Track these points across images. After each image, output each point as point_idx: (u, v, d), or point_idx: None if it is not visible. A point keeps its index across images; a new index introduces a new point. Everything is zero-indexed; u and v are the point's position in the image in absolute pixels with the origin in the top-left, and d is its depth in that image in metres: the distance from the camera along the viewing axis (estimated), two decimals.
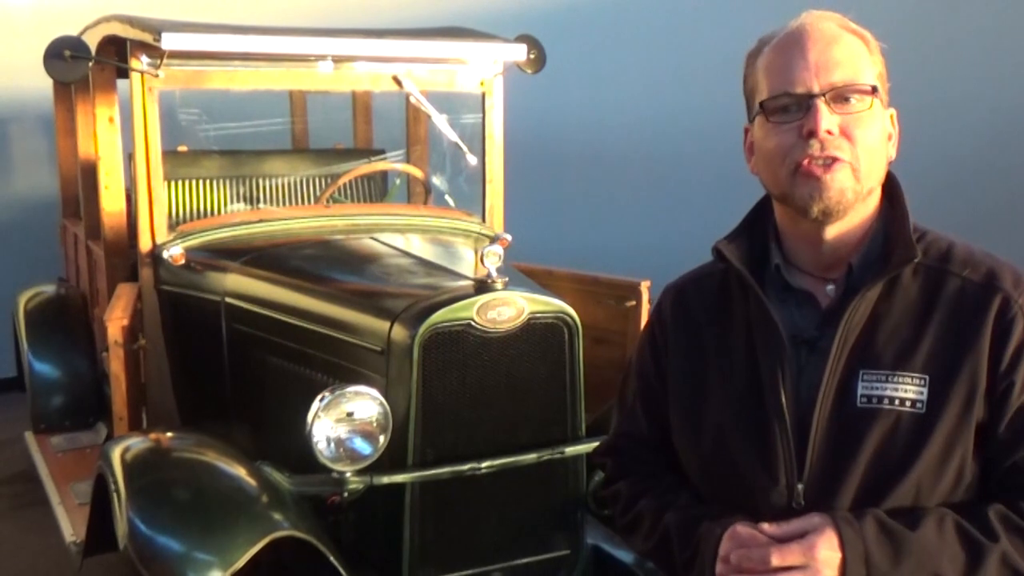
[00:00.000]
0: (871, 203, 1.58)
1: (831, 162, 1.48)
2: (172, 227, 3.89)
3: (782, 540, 1.45)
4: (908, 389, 1.49)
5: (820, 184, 1.48)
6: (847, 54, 1.50)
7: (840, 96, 1.49)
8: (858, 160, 1.49)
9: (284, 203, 4.90)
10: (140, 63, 3.66)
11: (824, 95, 1.48)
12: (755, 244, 1.66)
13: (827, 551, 1.41)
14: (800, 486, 1.52)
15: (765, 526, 1.48)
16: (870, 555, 1.41)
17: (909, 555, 1.42)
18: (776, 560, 1.42)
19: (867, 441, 1.49)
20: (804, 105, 1.49)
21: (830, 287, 1.59)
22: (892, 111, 1.58)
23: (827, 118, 1.47)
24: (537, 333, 2.90)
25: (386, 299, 3.05)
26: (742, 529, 1.50)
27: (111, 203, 4.04)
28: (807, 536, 1.43)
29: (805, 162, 1.48)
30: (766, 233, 1.66)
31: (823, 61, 1.48)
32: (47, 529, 4.14)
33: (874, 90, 1.51)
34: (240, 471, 2.77)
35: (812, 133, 1.47)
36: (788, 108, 1.51)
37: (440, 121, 4.26)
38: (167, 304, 3.83)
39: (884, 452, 1.48)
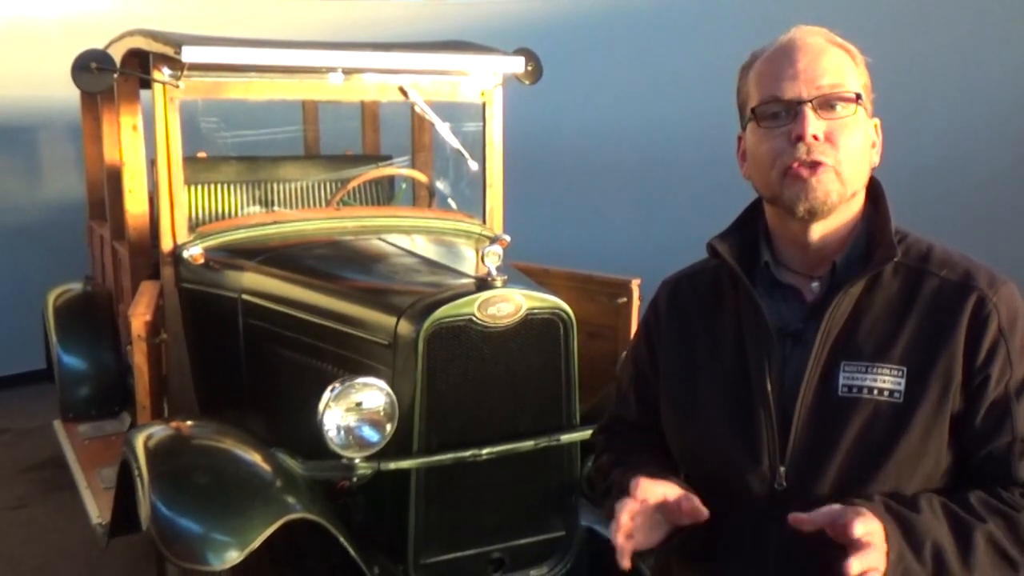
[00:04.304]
0: (855, 206, 1.58)
1: (816, 166, 1.48)
2: (192, 228, 3.88)
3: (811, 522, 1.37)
4: (887, 380, 1.48)
5: (806, 186, 1.49)
6: (834, 64, 1.50)
7: (826, 103, 1.49)
8: (841, 164, 1.49)
9: (297, 206, 4.89)
10: (162, 75, 3.65)
11: (811, 101, 1.48)
12: (746, 242, 1.66)
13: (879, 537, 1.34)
14: (782, 468, 1.52)
15: (802, 516, 1.38)
16: (896, 539, 1.37)
17: (917, 536, 1.38)
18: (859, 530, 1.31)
19: (848, 428, 1.48)
20: (793, 111, 1.49)
21: (815, 283, 1.59)
22: (876, 121, 1.58)
23: (814, 123, 1.47)
24: (534, 328, 2.89)
25: (393, 296, 3.04)
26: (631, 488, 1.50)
27: (135, 206, 4.03)
28: (864, 515, 1.34)
29: (794, 165, 1.48)
30: (757, 233, 1.66)
31: (811, 70, 1.49)
32: (75, 512, 4.14)
33: (858, 97, 1.51)
34: (256, 457, 2.76)
35: (800, 137, 1.47)
36: (778, 114, 1.51)
37: (443, 129, 4.26)
38: (187, 301, 3.82)
39: (864, 439, 1.47)
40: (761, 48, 1.57)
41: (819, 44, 1.52)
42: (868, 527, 1.32)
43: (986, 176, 6.47)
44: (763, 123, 1.52)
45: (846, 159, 1.49)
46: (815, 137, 1.47)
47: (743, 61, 1.61)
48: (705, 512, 1.48)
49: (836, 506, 1.39)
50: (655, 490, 1.51)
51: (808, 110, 1.47)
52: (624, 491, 1.54)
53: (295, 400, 3.27)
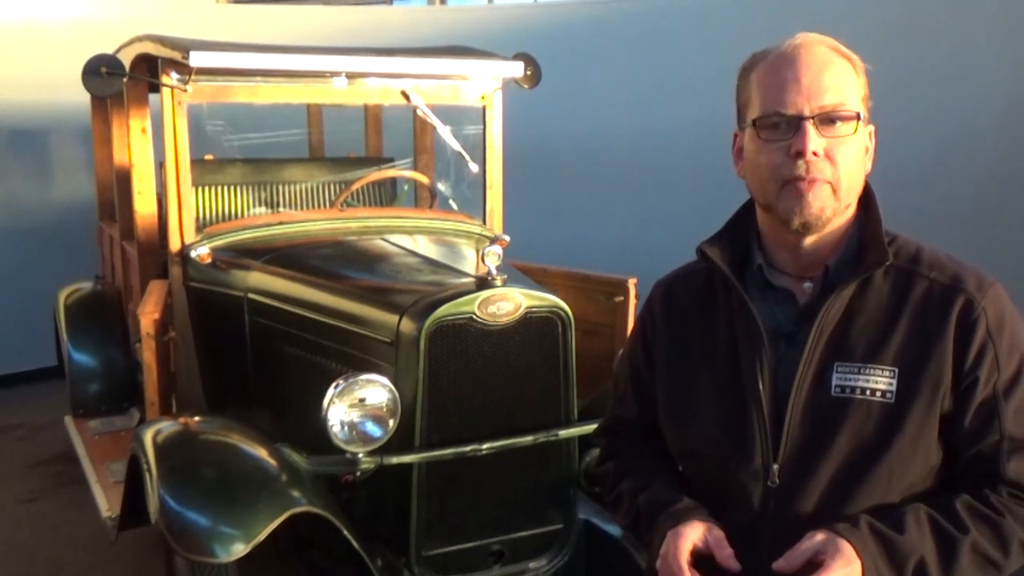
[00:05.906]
0: (848, 213, 1.57)
1: (813, 182, 1.47)
2: (199, 229, 3.88)
3: (795, 567, 1.40)
4: (879, 380, 1.48)
5: (803, 201, 1.48)
6: (837, 80, 1.48)
7: (827, 119, 1.47)
8: (838, 181, 1.48)
9: (302, 207, 4.89)
10: (170, 79, 3.65)
11: (813, 118, 1.46)
12: (738, 245, 1.65)
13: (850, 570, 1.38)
14: (775, 466, 1.51)
15: (780, 562, 1.42)
16: (876, 565, 1.39)
17: (899, 557, 1.40)
18: None
19: (841, 428, 1.48)
20: (794, 125, 1.47)
21: (807, 284, 1.58)
22: (871, 127, 1.56)
23: (814, 140, 1.46)
24: (533, 326, 2.89)
25: (395, 295, 3.04)
26: (671, 546, 1.51)
27: (144, 207, 4.03)
28: (835, 558, 1.37)
29: (793, 180, 1.47)
30: (749, 235, 1.65)
31: (814, 86, 1.46)
32: (85, 505, 4.14)
33: (858, 116, 1.49)
34: (261, 452, 2.76)
35: (800, 153, 1.46)
36: (778, 125, 1.49)
37: (444, 132, 4.25)
38: (195, 299, 3.81)
39: (857, 439, 1.47)
40: (763, 50, 1.55)
41: (823, 56, 1.49)
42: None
43: (980, 180, 6.46)
44: (763, 134, 1.51)
45: (843, 175, 1.48)
46: (815, 153, 1.46)
47: (741, 63, 1.60)
48: (737, 565, 1.48)
49: (818, 537, 1.40)
50: (685, 548, 1.51)
51: (809, 126, 1.46)
52: (653, 522, 1.58)
53: (300, 396, 3.26)
